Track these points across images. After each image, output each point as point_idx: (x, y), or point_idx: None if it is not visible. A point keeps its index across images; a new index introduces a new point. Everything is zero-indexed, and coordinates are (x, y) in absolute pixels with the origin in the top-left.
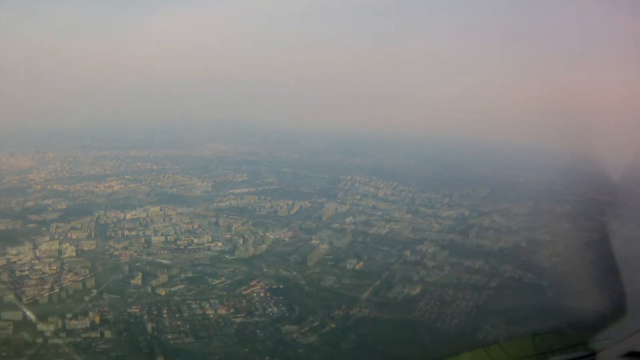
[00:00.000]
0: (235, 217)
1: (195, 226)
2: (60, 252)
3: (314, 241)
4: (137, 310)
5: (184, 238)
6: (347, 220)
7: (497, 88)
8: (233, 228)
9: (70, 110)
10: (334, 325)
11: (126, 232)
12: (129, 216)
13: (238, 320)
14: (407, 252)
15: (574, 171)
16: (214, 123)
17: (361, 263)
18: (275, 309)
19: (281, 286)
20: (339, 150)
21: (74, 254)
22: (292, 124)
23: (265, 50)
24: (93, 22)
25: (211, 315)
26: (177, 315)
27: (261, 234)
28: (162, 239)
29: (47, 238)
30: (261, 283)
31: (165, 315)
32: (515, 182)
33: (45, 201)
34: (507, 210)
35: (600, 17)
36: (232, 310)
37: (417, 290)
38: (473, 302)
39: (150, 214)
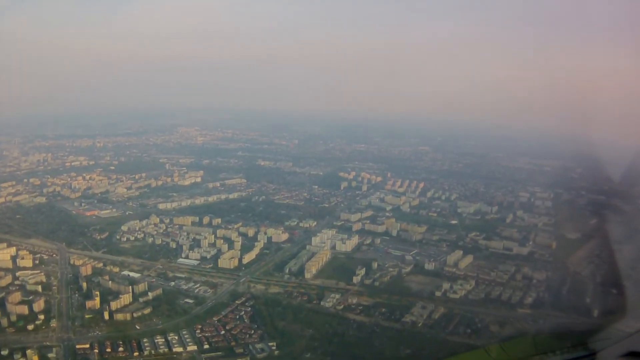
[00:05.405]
0: None
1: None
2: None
3: None
4: (87, 346)
5: (159, 242)
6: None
7: (503, 73)
8: None
9: (61, 99)
10: None
11: (95, 236)
12: (103, 214)
13: None
14: None
15: (584, 157)
16: (213, 109)
17: None
18: None
19: None
20: (341, 135)
21: (30, 264)
22: (293, 109)
23: (263, 34)
24: (80, 11)
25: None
26: (136, 353)
27: None
28: (135, 243)
29: (5, 244)
30: None
31: (120, 353)
32: (531, 170)
33: (16, 198)
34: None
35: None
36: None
37: None
38: None
39: (127, 212)
